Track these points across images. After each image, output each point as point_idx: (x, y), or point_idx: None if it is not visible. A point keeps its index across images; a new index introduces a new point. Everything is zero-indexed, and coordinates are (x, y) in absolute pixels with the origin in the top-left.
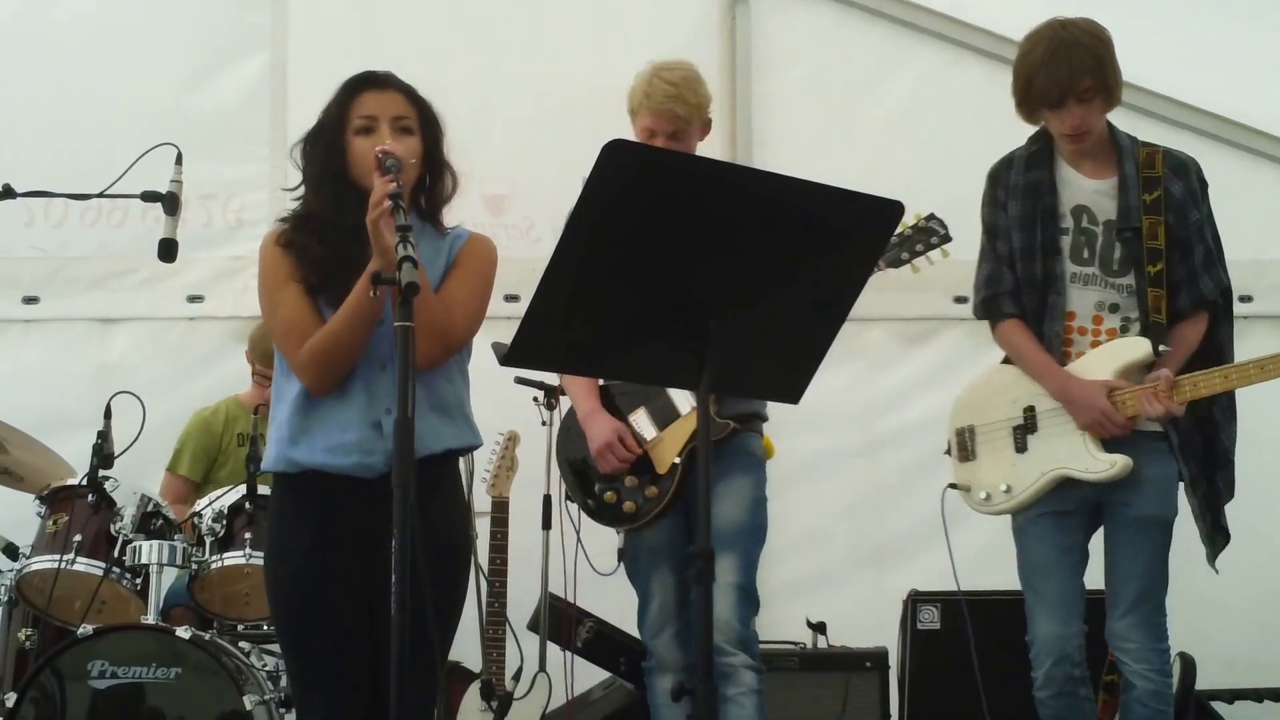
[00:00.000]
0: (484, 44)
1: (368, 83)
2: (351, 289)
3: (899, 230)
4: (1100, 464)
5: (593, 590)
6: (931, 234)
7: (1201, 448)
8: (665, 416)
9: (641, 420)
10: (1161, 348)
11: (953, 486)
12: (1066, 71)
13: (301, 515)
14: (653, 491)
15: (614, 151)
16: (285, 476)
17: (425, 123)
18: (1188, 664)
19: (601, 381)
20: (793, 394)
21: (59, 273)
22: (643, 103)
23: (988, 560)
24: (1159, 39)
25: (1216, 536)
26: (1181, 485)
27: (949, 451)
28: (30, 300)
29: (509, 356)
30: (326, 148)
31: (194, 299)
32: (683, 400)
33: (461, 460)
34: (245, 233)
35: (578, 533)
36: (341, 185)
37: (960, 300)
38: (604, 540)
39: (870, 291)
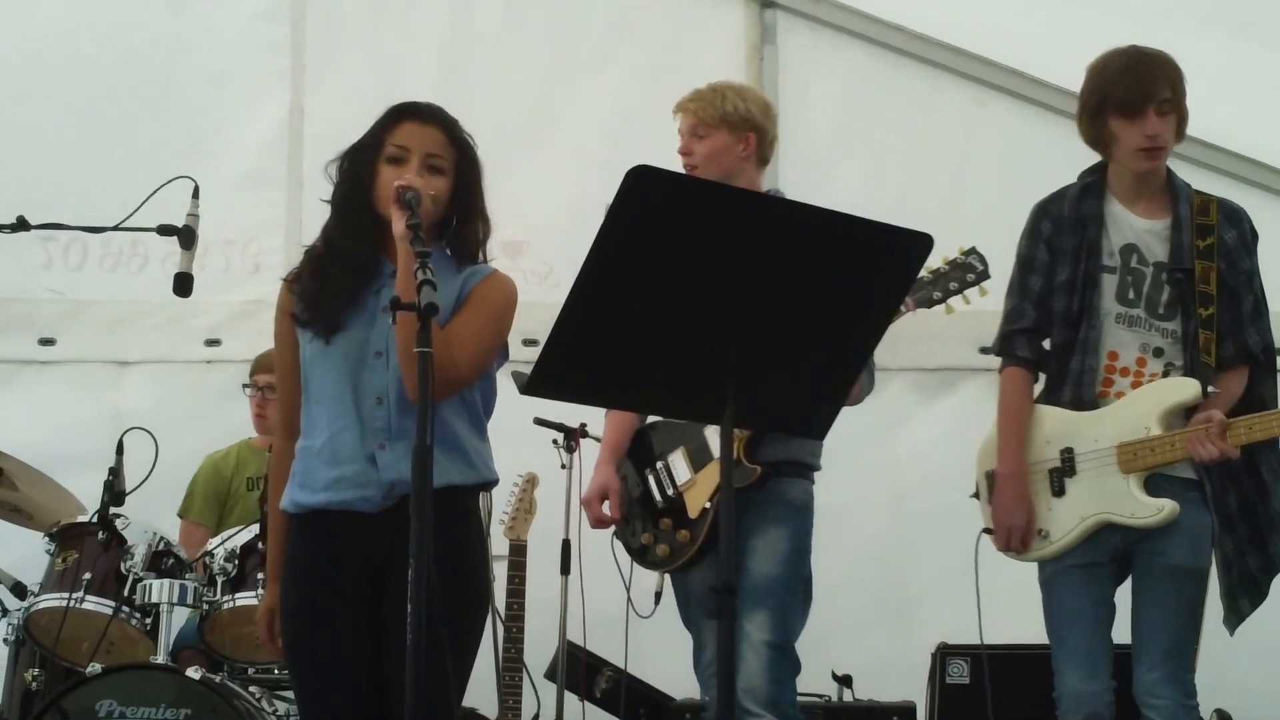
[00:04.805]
0: (502, 87)
1: (410, 113)
2: (338, 320)
3: (934, 266)
4: (1147, 509)
5: (613, 638)
6: (968, 270)
7: (1235, 504)
8: (701, 459)
9: (678, 462)
10: (1210, 389)
11: (987, 532)
12: (1150, 76)
13: (305, 552)
14: (684, 535)
15: (638, 178)
16: (293, 517)
17: (462, 163)
18: None
19: (649, 419)
20: (817, 429)
21: (76, 315)
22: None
23: (1017, 611)
24: (1198, 82)
25: (1240, 598)
26: None
27: (976, 495)
28: (47, 342)
29: (529, 386)
30: (357, 169)
31: (211, 342)
32: (718, 443)
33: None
34: (263, 276)
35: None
36: (361, 210)
37: (985, 351)
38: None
39: (890, 341)
